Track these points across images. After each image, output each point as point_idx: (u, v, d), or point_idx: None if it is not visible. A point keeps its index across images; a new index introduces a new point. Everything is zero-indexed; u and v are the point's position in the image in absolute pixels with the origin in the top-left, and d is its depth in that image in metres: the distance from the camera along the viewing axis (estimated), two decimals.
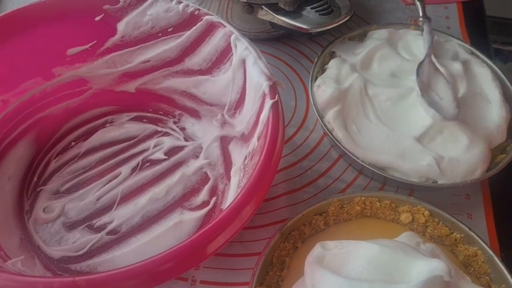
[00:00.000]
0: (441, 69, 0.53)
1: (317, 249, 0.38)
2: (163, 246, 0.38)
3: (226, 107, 0.53)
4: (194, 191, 0.52)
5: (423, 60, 0.54)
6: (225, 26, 0.50)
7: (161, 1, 0.52)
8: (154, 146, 0.56)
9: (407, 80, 0.55)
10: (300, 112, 0.61)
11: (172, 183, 0.52)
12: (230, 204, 0.37)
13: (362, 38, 0.62)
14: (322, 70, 0.58)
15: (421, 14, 0.57)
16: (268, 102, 0.44)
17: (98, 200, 0.51)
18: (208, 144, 0.55)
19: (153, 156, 0.55)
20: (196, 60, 0.54)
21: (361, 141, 0.51)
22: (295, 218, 0.44)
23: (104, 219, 0.50)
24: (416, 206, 0.45)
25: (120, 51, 0.55)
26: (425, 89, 0.51)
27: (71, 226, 0.50)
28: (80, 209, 0.50)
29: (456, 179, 0.48)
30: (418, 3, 0.58)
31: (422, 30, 0.58)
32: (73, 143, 0.56)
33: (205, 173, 0.54)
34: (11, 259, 0.43)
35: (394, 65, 0.56)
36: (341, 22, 0.58)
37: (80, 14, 0.52)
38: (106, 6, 0.52)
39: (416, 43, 0.58)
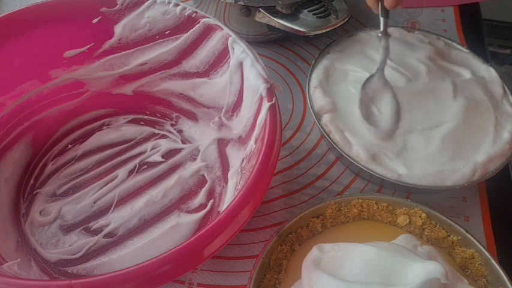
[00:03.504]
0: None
1: (314, 252, 0.38)
2: (160, 249, 0.38)
3: (223, 110, 0.53)
4: (191, 193, 0.52)
5: (374, 74, 0.54)
6: (222, 29, 0.50)
7: (159, 4, 0.52)
8: (152, 149, 0.56)
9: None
10: (297, 115, 0.61)
11: (169, 186, 0.52)
12: (227, 207, 0.37)
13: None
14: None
15: (381, 29, 0.55)
16: (266, 105, 0.44)
17: (94, 202, 0.51)
18: (205, 147, 0.55)
19: (150, 159, 0.55)
20: (193, 62, 0.54)
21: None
22: (293, 220, 0.44)
23: (101, 222, 0.50)
24: (414, 208, 0.45)
25: (117, 54, 0.55)
26: (367, 102, 0.52)
27: (67, 229, 0.49)
28: (76, 212, 0.50)
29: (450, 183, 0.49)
30: (381, 18, 0.56)
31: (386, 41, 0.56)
32: (70, 146, 0.56)
33: (203, 176, 0.54)
34: (7, 262, 0.42)
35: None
36: (338, 25, 0.59)
37: (77, 16, 0.52)
38: (103, 9, 0.52)
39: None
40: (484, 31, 0.73)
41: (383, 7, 0.54)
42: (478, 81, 0.56)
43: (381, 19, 0.55)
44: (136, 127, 0.58)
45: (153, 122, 0.59)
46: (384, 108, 0.52)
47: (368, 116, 0.52)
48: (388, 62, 0.57)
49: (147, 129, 0.58)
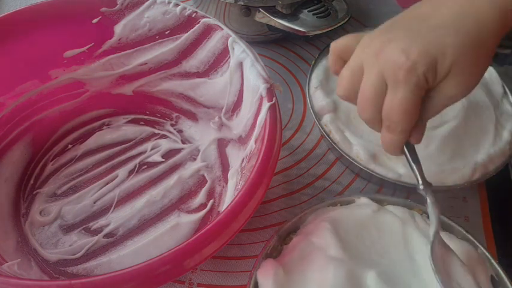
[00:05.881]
0: None
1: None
2: (160, 249, 0.38)
3: (223, 110, 0.53)
4: (191, 193, 0.52)
5: (434, 240, 0.40)
6: (222, 29, 0.50)
7: (159, 4, 0.52)
8: (152, 149, 0.56)
9: None
10: (297, 115, 0.61)
11: (169, 186, 0.52)
12: (227, 207, 0.37)
13: None
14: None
15: (419, 180, 0.40)
16: (266, 105, 0.44)
17: (94, 202, 0.51)
18: (205, 147, 0.55)
19: (150, 159, 0.55)
20: (193, 62, 0.54)
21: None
22: (293, 220, 0.44)
23: (101, 222, 0.50)
24: (414, 208, 0.45)
25: (117, 54, 0.55)
26: (445, 278, 0.39)
27: (67, 229, 0.49)
28: (76, 212, 0.50)
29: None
30: (412, 165, 0.40)
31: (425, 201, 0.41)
32: (70, 146, 0.56)
33: (203, 176, 0.54)
34: (7, 262, 0.42)
35: None
36: (338, 25, 0.58)
37: (77, 16, 0.52)
38: (103, 9, 0.52)
39: None
40: None
41: (411, 149, 0.40)
42: None
43: (413, 166, 0.40)
44: (136, 127, 0.58)
45: (153, 122, 0.59)
46: (462, 280, 0.39)
47: None
48: None
49: (147, 129, 0.58)
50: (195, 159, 0.55)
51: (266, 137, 0.42)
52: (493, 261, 0.41)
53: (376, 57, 0.36)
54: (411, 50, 0.34)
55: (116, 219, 0.50)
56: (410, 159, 0.40)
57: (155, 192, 0.52)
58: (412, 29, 0.36)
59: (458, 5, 0.36)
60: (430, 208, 0.39)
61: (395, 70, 0.35)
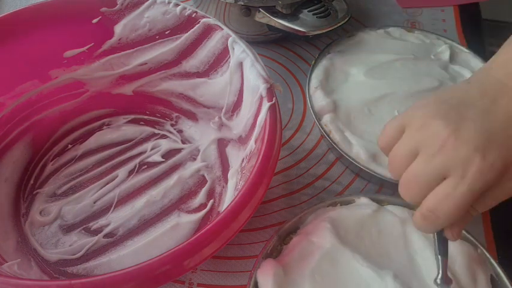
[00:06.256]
0: None
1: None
2: (160, 249, 0.38)
3: (223, 110, 0.53)
4: (191, 193, 0.52)
5: None
6: (222, 29, 0.50)
7: (159, 4, 0.52)
8: (152, 149, 0.56)
9: (395, 79, 0.55)
10: (297, 115, 0.61)
11: (169, 186, 0.52)
12: (227, 207, 0.37)
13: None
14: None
15: (439, 274, 0.38)
16: (266, 105, 0.44)
17: (94, 202, 0.51)
18: (205, 147, 0.55)
19: (150, 159, 0.55)
20: (193, 62, 0.54)
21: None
22: (293, 220, 0.44)
23: (101, 222, 0.50)
24: (413, 208, 0.45)
25: (117, 54, 0.55)
26: None
27: (67, 229, 0.49)
28: (76, 212, 0.50)
29: None
30: (439, 257, 0.38)
31: None
32: (70, 146, 0.56)
33: (203, 176, 0.54)
34: (7, 262, 0.42)
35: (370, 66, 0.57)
36: (338, 25, 0.58)
37: (77, 16, 0.52)
38: (103, 9, 0.52)
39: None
40: (484, 31, 0.73)
41: (441, 240, 0.38)
42: None
43: (439, 258, 0.38)
44: (136, 127, 0.58)
45: (153, 122, 0.59)
46: None
47: None
48: (390, 59, 0.57)
49: (147, 129, 0.58)
50: (195, 159, 0.55)
51: (266, 137, 0.42)
52: (493, 261, 0.42)
53: (439, 147, 0.34)
54: (487, 150, 0.33)
55: (116, 219, 0.50)
56: (437, 249, 0.38)
57: (155, 192, 0.52)
58: (481, 126, 0.34)
59: None
60: None
61: (465, 166, 0.33)
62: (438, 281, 0.37)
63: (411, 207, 0.45)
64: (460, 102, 0.36)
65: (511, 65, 0.36)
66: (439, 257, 0.38)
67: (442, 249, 0.38)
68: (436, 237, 0.38)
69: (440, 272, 0.38)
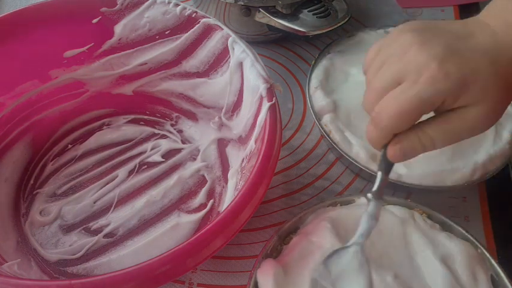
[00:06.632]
0: None
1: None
2: (160, 249, 0.38)
3: (223, 110, 0.53)
4: (191, 193, 0.52)
5: (347, 247, 0.37)
6: (222, 29, 0.50)
7: (159, 4, 0.52)
8: (152, 149, 0.56)
9: None
10: (297, 115, 0.61)
11: (169, 186, 0.52)
12: (227, 207, 0.37)
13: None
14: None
15: (374, 187, 0.37)
16: (266, 105, 0.44)
17: (94, 202, 0.51)
18: (205, 147, 0.55)
19: (150, 159, 0.55)
20: (193, 62, 0.54)
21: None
22: (293, 220, 0.44)
23: (101, 222, 0.50)
24: (414, 208, 0.45)
25: (117, 54, 0.55)
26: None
27: (67, 229, 0.49)
28: (76, 212, 0.50)
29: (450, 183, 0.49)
30: (379, 173, 0.37)
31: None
32: (70, 146, 0.56)
33: (203, 176, 0.54)
34: (7, 262, 0.42)
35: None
36: (338, 25, 0.58)
37: (77, 16, 0.52)
38: (103, 9, 0.52)
39: None
40: None
41: (385, 158, 0.37)
42: None
43: (379, 174, 0.37)
44: (136, 127, 0.58)
45: (153, 122, 0.59)
46: None
47: None
48: None
49: (147, 129, 0.58)
50: (195, 159, 0.55)
51: (266, 137, 0.42)
52: (493, 261, 0.41)
53: (401, 54, 0.34)
54: (445, 59, 0.32)
55: (116, 219, 0.50)
56: (380, 165, 0.37)
57: (155, 192, 0.52)
58: (448, 42, 0.34)
59: (497, 32, 0.34)
60: (365, 217, 0.37)
61: (420, 71, 0.33)
62: (369, 194, 0.37)
63: (411, 207, 0.45)
64: (440, 28, 0.36)
65: (497, 9, 0.36)
66: (380, 173, 0.37)
67: (384, 165, 0.37)
68: (382, 154, 0.37)
69: (376, 186, 0.37)
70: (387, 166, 0.37)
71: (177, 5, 0.52)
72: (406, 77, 0.33)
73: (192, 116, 0.58)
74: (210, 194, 0.52)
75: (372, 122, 0.36)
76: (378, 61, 0.36)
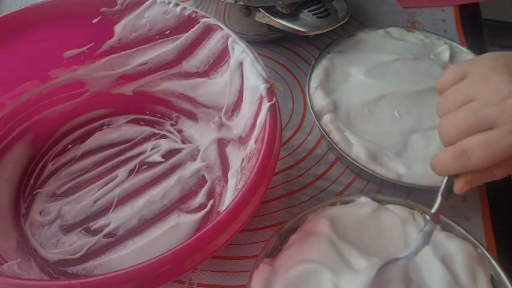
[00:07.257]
0: None
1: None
2: (160, 249, 0.38)
3: (223, 110, 0.53)
4: (191, 193, 0.52)
5: (397, 259, 0.40)
6: (222, 29, 0.50)
7: (159, 4, 0.52)
8: (152, 149, 0.56)
9: (395, 79, 0.55)
10: (297, 115, 0.61)
11: (169, 186, 0.52)
12: (227, 207, 0.37)
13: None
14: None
15: (434, 209, 0.42)
16: (266, 105, 0.44)
17: (94, 202, 0.51)
18: (205, 147, 0.55)
19: (150, 159, 0.55)
20: (193, 62, 0.54)
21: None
22: (293, 220, 0.44)
23: (101, 222, 0.50)
24: (414, 208, 0.45)
25: (117, 54, 0.55)
26: None
27: (67, 229, 0.49)
28: (76, 212, 0.50)
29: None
30: (439, 196, 0.41)
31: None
32: (70, 146, 0.56)
33: (203, 176, 0.54)
34: (7, 262, 0.42)
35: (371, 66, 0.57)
36: (338, 25, 0.58)
37: (77, 16, 0.52)
38: (103, 9, 0.52)
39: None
40: (484, 31, 0.73)
41: (449, 187, 0.41)
42: None
43: (439, 199, 0.41)
44: (136, 127, 0.58)
45: (153, 122, 0.59)
46: None
47: None
48: (390, 59, 0.57)
49: (147, 129, 0.58)
50: (195, 159, 0.55)
51: (266, 137, 0.42)
52: (493, 261, 0.41)
53: (495, 98, 0.36)
54: None
55: (116, 219, 0.50)
56: (442, 190, 0.41)
57: (155, 192, 0.52)
58: None
59: None
60: (420, 236, 0.41)
61: None
62: (428, 216, 0.42)
63: (411, 207, 0.45)
64: None
65: None
66: (439, 196, 0.41)
67: (445, 192, 0.41)
68: (445, 180, 0.41)
69: (434, 209, 0.41)
70: (448, 193, 0.41)
71: (177, 5, 0.52)
72: (500, 124, 0.35)
73: (192, 116, 0.58)
74: (210, 194, 0.52)
75: (455, 155, 0.38)
76: (465, 91, 0.38)
